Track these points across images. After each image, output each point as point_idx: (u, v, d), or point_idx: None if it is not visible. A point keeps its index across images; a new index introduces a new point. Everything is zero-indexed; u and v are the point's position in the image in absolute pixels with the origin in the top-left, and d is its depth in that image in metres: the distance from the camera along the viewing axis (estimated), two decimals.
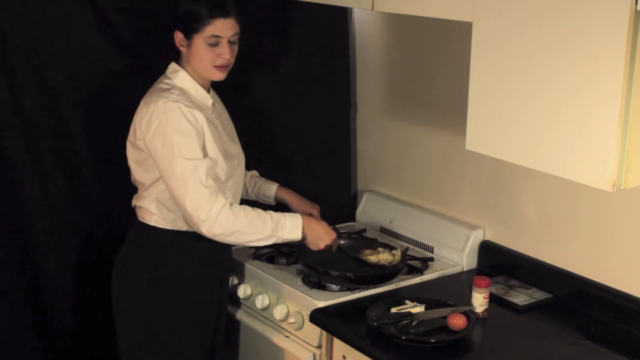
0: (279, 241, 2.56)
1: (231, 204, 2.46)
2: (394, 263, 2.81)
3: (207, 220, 2.41)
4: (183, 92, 2.50)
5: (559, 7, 1.98)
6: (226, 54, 2.51)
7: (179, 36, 2.49)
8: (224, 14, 2.47)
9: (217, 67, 2.51)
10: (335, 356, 2.56)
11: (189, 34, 2.47)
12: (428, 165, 3.16)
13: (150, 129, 2.43)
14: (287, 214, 2.58)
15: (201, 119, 2.46)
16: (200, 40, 2.47)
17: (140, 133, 2.47)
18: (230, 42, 2.50)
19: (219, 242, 2.60)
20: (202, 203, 2.40)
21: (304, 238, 2.61)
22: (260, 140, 3.17)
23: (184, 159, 2.40)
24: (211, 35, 2.47)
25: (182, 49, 2.50)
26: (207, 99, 2.57)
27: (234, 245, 2.72)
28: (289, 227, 2.54)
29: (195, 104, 2.50)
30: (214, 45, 2.48)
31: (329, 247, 2.69)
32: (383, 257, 2.84)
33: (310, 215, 2.93)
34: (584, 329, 2.51)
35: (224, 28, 2.48)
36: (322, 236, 2.64)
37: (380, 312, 2.49)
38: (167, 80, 2.53)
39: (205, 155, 2.45)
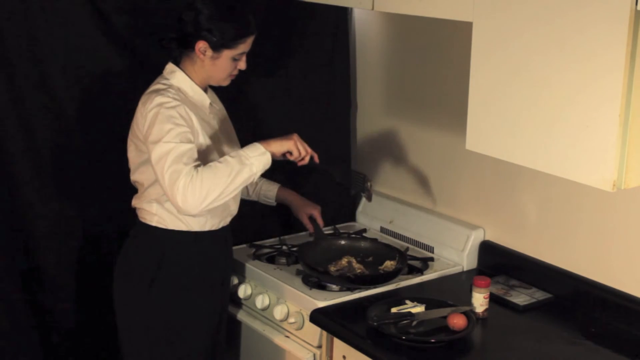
0: (255, 171, 2.44)
1: (195, 171, 2.36)
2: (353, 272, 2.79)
3: (179, 194, 2.33)
4: (180, 91, 2.50)
5: (559, 7, 1.98)
6: (244, 66, 2.57)
7: (202, 45, 2.48)
8: (254, 31, 2.53)
9: (230, 76, 2.57)
10: (335, 356, 2.56)
11: (218, 47, 2.48)
12: (428, 165, 3.16)
13: (146, 123, 2.43)
14: (242, 148, 2.49)
15: (194, 118, 2.47)
16: (229, 55, 2.51)
17: (138, 131, 2.48)
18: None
19: (219, 242, 2.60)
20: (176, 177, 2.34)
21: (273, 155, 2.50)
22: (260, 140, 3.17)
23: (168, 142, 2.38)
24: (241, 52, 2.53)
25: (201, 56, 2.50)
26: (205, 98, 2.58)
27: (233, 245, 2.71)
28: (250, 153, 2.44)
29: (192, 104, 2.51)
30: (237, 60, 2.53)
31: (304, 157, 2.57)
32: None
33: (311, 216, 2.94)
34: (584, 329, 2.51)
35: (250, 44, 2.54)
36: (281, 141, 2.52)
37: (381, 312, 2.49)
38: (164, 81, 2.54)
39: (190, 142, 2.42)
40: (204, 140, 2.49)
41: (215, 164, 2.41)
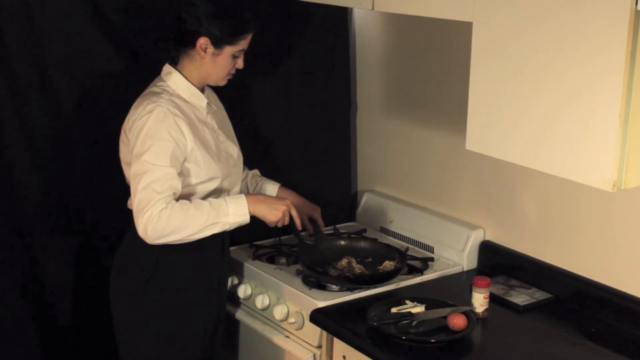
0: (227, 228, 2.49)
1: (168, 204, 2.38)
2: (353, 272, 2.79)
3: (142, 223, 2.37)
4: (174, 95, 2.50)
5: (559, 7, 1.98)
6: (242, 65, 2.57)
7: (204, 42, 2.47)
8: (253, 29, 2.53)
9: (228, 75, 2.57)
10: (335, 356, 2.56)
11: (220, 43, 2.48)
12: (428, 165, 3.16)
13: (132, 132, 2.43)
14: (229, 198, 2.50)
15: (185, 127, 2.46)
16: (229, 52, 2.50)
17: (129, 134, 2.47)
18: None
19: (216, 242, 2.60)
20: (145, 204, 2.36)
21: (253, 217, 2.54)
22: (260, 140, 3.17)
23: (146, 161, 2.39)
24: (241, 49, 2.53)
25: (201, 53, 2.49)
26: (202, 99, 2.57)
27: (231, 245, 2.71)
28: (232, 211, 2.47)
29: (188, 107, 2.50)
30: (236, 57, 2.53)
31: (288, 221, 2.62)
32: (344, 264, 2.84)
33: (311, 217, 2.92)
34: (584, 329, 2.51)
35: (248, 42, 2.54)
36: (271, 210, 2.56)
37: (381, 312, 2.49)
38: (160, 83, 2.54)
39: (174, 165, 2.42)
40: (196, 147, 2.47)
41: (191, 207, 2.40)
